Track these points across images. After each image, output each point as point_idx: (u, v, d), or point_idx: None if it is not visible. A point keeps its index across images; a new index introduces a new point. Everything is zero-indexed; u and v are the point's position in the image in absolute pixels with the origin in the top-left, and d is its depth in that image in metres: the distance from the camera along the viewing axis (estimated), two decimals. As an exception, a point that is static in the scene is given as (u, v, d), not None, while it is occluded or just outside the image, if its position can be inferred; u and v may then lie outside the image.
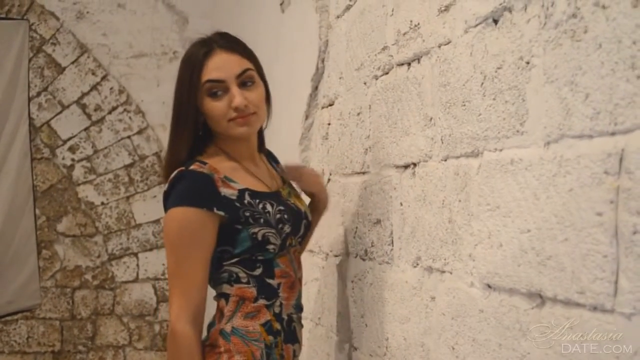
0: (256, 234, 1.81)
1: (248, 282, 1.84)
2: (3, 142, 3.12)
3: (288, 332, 1.87)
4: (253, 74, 1.88)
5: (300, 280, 1.95)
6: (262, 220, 1.82)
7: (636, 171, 0.94)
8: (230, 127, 1.85)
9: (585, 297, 1.04)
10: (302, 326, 1.95)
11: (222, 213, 1.79)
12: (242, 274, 1.84)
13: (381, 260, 1.86)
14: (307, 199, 2.15)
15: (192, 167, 1.82)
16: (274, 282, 1.85)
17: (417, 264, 1.64)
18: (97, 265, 4.58)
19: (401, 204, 1.73)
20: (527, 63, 1.20)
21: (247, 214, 1.81)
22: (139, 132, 4.62)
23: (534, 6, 1.18)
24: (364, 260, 1.99)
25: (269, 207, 1.85)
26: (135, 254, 4.60)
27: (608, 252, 0.99)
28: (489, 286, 1.31)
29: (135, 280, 4.62)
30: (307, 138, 2.57)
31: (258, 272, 1.84)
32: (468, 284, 1.39)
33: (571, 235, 1.07)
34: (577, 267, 1.06)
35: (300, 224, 1.94)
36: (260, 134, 2.02)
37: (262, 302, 1.84)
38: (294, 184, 2.09)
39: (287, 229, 1.86)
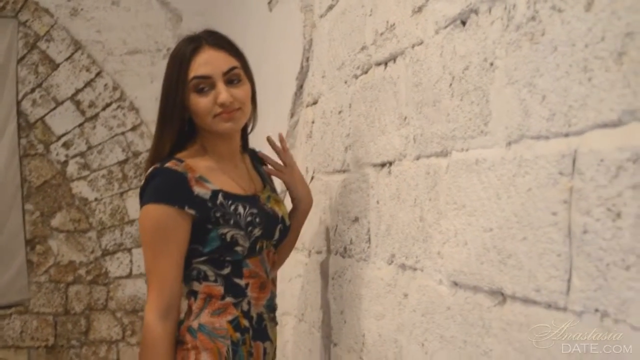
0: (225, 235, 1.83)
1: (215, 280, 1.86)
2: (-10, 140, 3.15)
3: (258, 329, 1.88)
4: (240, 72, 1.89)
5: (273, 281, 1.96)
6: (232, 221, 1.83)
7: (587, 172, 0.96)
8: (215, 122, 1.86)
9: (541, 295, 1.06)
10: (275, 324, 1.96)
11: (193, 212, 1.81)
12: (210, 273, 1.86)
13: (359, 258, 1.88)
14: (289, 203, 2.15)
15: (167, 164, 1.84)
16: (241, 281, 1.87)
17: (392, 261, 1.66)
18: (91, 261, 4.60)
19: (378, 202, 1.75)
20: (491, 64, 1.22)
21: (218, 214, 1.83)
22: (133, 129, 4.64)
23: (498, 8, 1.20)
24: (343, 257, 2.02)
25: (240, 209, 1.85)
26: (129, 250, 4.63)
27: (562, 251, 1.01)
28: (456, 284, 1.34)
29: (129, 275, 4.64)
30: (293, 136, 2.59)
31: (226, 271, 1.86)
32: (437, 282, 1.42)
33: (529, 234, 1.09)
34: (533, 266, 1.08)
35: (274, 229, 1.94)
36: (244, 134, 2.03)
37: (229, 299, 1.85)
38: (280, 183, 2.10)
39: (257, 232, 1.86)
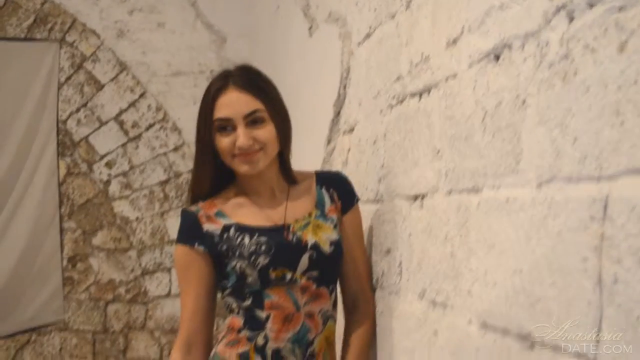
0: (235, 267, 1.86)
1: (238, 313, 1.89)
2: (30, 161, 3.17)
3: None
4: (263, 115, 1.89)
5: (310, 315, 1.88)
6: (237, 253, 1.86)
7: (617, 219, 0.92)
8: (234, 163, 1.91)
9: (570, 344, 1.02)
10: None
11: (202, 248, 1.88)
12: (234, 305, 1.90)
13: (390, 290, 1.85)
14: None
15: (190, 206, 1.95)
16: (262, 313, 1.86)
17: (423, 296, 1.63)
18: (131, 280, 4.63)
19: (410, 235, 1.73)
20: (523, 102, 1.19)
21: (225, 247, 1.87)
22: (175, 149, 4.67)
23: (531, 45, 1.17)
24: (376, 289, 1.99)
25: (246, 240, 1.86)
26: (168, 270, 4.64)
27: (592, 299, 0.97)
28: (485, 324, 1.30)
29: (168, 295, 4.66)
30: (329, 163, 2.57)
31: (247, 303, 1.87)
32: (467, 321, 1.38)
33: (558, 279, 1.05)
34: (562, 313, 1.04)
35: (294, 258, 1.87)
36: (284, 165, 2.00)
37: (245, 332, 1.87)
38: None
39: (262, 260, 1.84)
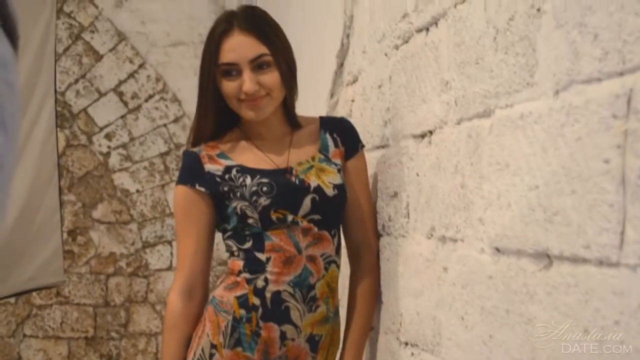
0: (236, 208, 1.82)
1: (238, 255, 1.85)
2: (28, 118, 3.11)
3: (273, 310, 1.80)
4: (268, 59, 1.85)
5: (312, 258, 1.83)
6: (239, 194, 1.82)
7: (643, 110, 0.87)
8: (240, 108, 1.88)
9: (591, 251, 0.97)
10: (309, 308, 1.83)
11: (203, 189, 1.84)
12: (234, 248, 1.86)
13: (397, 234, 1.80)
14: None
15: (193, 147, 1.92)
16: (262, 255, 1.82)
17: (432, 235, 1.58)
18: (131, 253, 4.59)
19: (417, 174, 1.67)
20: (538, 10, 1.13)
21: (226, 188, 1.83)
22: (175, 121, 4.62)
23: (546, -51, 1.11)
24: (381, 235, 1.94)
25: (247, 181, 1.83)
26: (169, 242, 4.61)
27: (614, 200, 0.92)
28: (498, 250, 1.25)
29: (169, 268, 4.62)
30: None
31: (247, 245, 1.84)
32: (478, 250, 1.33)
33: (578, 186, 1.00)
34: (583, 220, 0.99)
35: (296, 199, 1.83)
36: (289, 109, 1.95)
37: (244, 275, 1.82)
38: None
39: (263, 201, 1.80)
